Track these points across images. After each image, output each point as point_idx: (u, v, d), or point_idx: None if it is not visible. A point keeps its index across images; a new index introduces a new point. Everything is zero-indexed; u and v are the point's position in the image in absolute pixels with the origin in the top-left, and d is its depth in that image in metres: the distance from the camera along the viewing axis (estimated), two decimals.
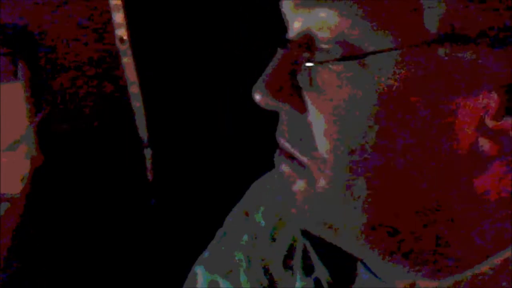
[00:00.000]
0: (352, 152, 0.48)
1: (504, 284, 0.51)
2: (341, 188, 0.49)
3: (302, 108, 0.50)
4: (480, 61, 0.46)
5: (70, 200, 1.86)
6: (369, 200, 0.49)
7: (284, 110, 0.51)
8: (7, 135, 1.76)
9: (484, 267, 0.51)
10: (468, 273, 0.51)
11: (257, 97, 0.50)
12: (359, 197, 0.49)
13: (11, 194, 1.73)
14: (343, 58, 0.47)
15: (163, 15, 1.81)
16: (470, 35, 0.45)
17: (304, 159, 0.50)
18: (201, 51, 1.82)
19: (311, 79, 0.49)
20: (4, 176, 1.71)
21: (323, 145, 0.49)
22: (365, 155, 0.48)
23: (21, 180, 1.75)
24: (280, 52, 0.51)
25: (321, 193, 0.50)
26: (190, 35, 1.82)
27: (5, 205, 1.70)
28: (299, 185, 0.51)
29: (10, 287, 1.65)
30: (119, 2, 1.76)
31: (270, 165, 0.67)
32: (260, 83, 0.50)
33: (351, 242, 0.52)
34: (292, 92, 0.50)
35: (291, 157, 0.51)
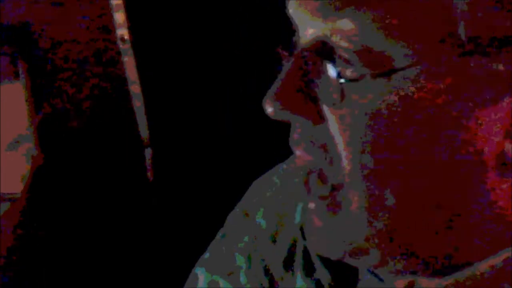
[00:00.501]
0: (375, 163, 0.47)
1: (504, 283, 0.51)
2: (364, 202, 0.48)
3: (318, 119, 0.48)
4: (507, 69, 0.45)
5: (71, 199, 1.86)
6: (393, 215, 0.49)
7: (298, 121, 0.49)
8: (7, 135, 1.76)
9: (484, 267, 0.51)
10: (468, 272, 0.51)
11: (269, 109, 0.48)
12: (383, 212, 0.48)
13: (12, 194, 1.73)
14: (373, 75, 0.45)
15: (164, 14, 1.81)
16: (496, 43, 0.45)
17: (324, 168, 0.50)
18: (201, 51, 1.82)
19: (338, 94, 0.47)
20: (5, 175, 1.71)
21: (345, 156, 0.48)
22: (390, 169, 0.47)
23: (22, 180, 1.75)
24: (290, 60, 0.49)
25: (344, 207, 0.49)
26: (190, 34, 1.82)
27: (5, 204, 1.70)
28: (318, 203, 0.51)
29: (11, 287, 1.65)
30: (120, 2, 1.76)
31: (270, 164, 0.67)
32: (270, 94, 0.48)
33: (369, 260, 0.51)
34: (305, 102, 0.48)
35: (310, 170, 0.51)
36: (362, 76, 0.46)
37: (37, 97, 1.82)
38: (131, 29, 1.78)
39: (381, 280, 0.55)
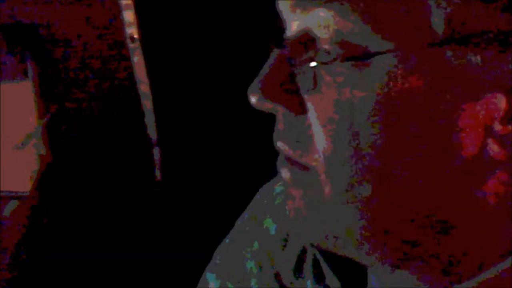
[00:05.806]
0: (353, 155, 0.47)
1: None
2: (343, 192, 0.48)
3: (300, 110, 0.48)
4: (487, 64, 0.44)
5: (79, 199, 1.87)
6: (372, 206, 0.48)
7: (281, 112, 0.50)
8: (16, 134, 1.77)
9: (490, 274, 0.50)
10: (475, 280, 0.51)
11: (253, 99, 0.49)
12: (362, 202, 0.48)
13: (20, 192, 1.73)
14: (346, 59, 0.45)
15: (173, 14, 1.81)
16: (478, 37, 0.44)
17: (304, 161, 0.49)
18: (210, 50, 1.82)
19: (313, 80, 0.47)
20: (13, 174, 1.72)
21: (323, 148, 0.48)
22: (367, 159, 0.47)
23: (30, 179, 1.75)
24: (276, 51, 0.50)
25: (323, 198, 0.49)
26: (199, 34, 1.82)
27: (14, 203, 1.70)
28: (300, 194, 0.51)
29: (17, 285, 1.65)
30: (130, 1, 1.76)
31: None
32: (255, 84, 0.49)
33: (355, 251, 0.51)
34: (289, 93, 0.49)
35: (291, 160, 0.50)
36: (334, 60, 0.46)
37: (46, 96, 1.83)
38: (140, 28, 1.78)
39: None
